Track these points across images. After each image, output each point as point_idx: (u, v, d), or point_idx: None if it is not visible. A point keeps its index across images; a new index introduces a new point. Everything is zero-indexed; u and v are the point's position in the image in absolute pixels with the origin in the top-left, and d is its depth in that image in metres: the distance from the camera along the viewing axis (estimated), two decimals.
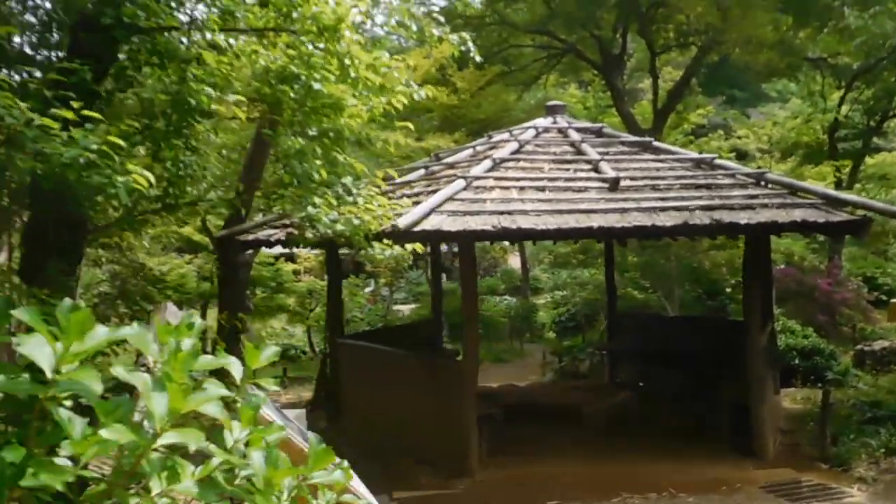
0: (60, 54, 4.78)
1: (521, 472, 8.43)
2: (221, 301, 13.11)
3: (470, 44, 11.55)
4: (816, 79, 20.87)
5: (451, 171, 9.76)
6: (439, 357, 9.23)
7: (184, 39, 4.17)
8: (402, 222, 7.34)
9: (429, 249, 13.32)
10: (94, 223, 4.57)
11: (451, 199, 8.12)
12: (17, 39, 5.11)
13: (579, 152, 9.81)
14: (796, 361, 12.56)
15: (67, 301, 1.44)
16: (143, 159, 4.07)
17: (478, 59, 12.47)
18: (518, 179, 8.90)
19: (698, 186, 8.97)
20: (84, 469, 1.32)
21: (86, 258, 14.01)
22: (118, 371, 1.58)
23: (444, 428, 8.68)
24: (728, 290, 17.37)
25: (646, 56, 20.81)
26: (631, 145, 10.51)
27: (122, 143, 3.35)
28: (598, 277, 16.88)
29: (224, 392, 2.11)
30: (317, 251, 19.01)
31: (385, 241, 5.93)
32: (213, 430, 1.82)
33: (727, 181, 9.17)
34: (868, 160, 21.32)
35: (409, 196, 9.24)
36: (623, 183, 8.75)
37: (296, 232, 5.24)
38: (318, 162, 4.38)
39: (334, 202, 4.39)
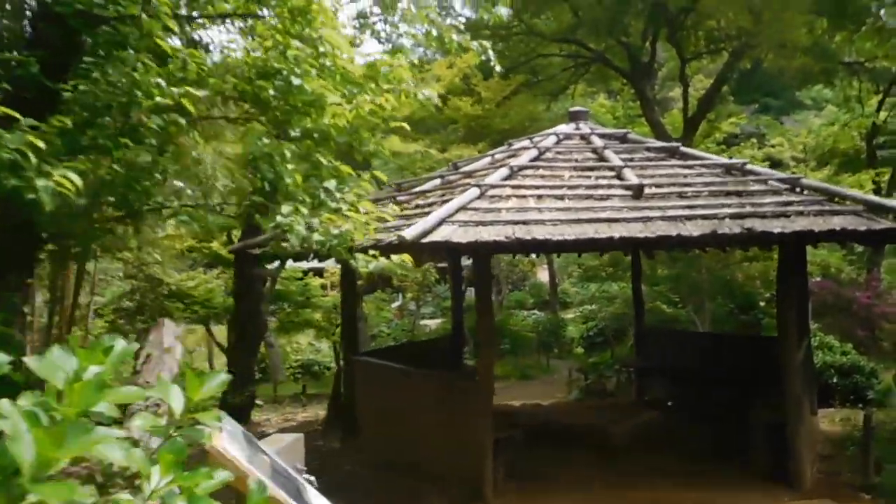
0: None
1: (538, 502, 7.84)
2: (236, 316, 12.74)
3: (490, 52, 11.08)
4: (853, 84, 20.04)
5: (467, 181, 9.22)
6: (454, 376, 8.67)
7: (140, 28, 3.70)
8: (409, 233, 6.83)
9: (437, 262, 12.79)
10: (48, 233, 4.10)
11: (463, 208, 7.58)
12: None
13: (602, 159, 9.23)
14: (834, 380, 11.89)
15: None
16: (96, 162, 3.59)
17: (498, 68, 12.03)
18: (536, 188, 8.33)
19: (728, 193, 8.32)
20: None
21: (108, 274, 13.79)
22: None
23: (458, 451, 8.12)
24: (762, 303, 16.65)
25: (676, 65, 20.20)
26: (657, 151, 9.90)
27: (39, 142, 2.89)
28: (627, 291, 16.26)
29: (118, 433, 1.65)
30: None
31: (371, 252, 5.35)
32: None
33: (759, 188, 8.52)
34: None
35: (422, 206, 8.74)
36: (647, 190, 8.14)
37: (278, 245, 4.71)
38: (290, 166, 3.87)
39: (305, 210, 3.86)
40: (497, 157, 10.11)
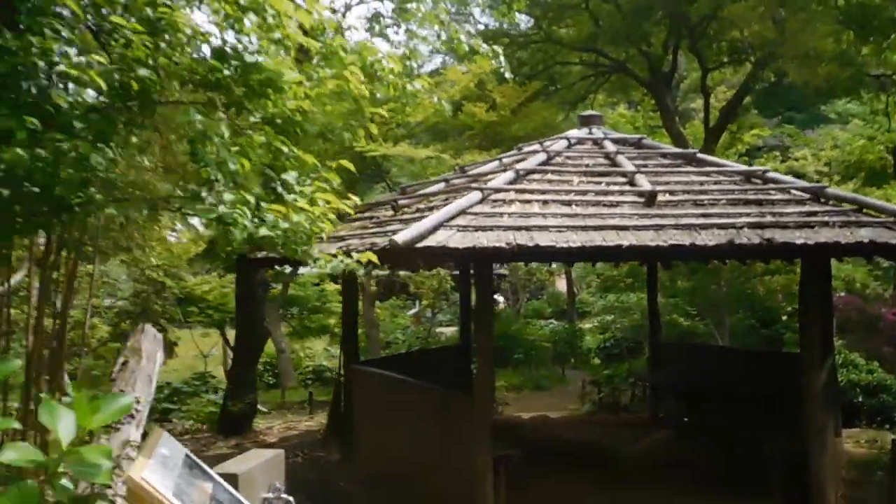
0: None
1: None
2: (238, 321, 12.20)
3: (501, 57, 10.46)
4: (880, 97, 19.14)
5: (473, 185, 8.60)
6: (450, 390, 8.01)
7: None
8: (401, 237, 6.24)
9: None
10: None
11: (463, 212, 6.95)
12: None
13: (614, 164, 8.57)
14: (860, 399, 11.13)
15: None
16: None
17: (508, 74, 11.39)
18: (542, 192, 7.69)
19: (747, 202, 7.62)
20: None
21: (111, 277, 13.34)
22: None
23: (455, 470, 7.48)
24: (784, 317, 15.87)
25: (698, 76, 19.51)
26: (673, 157, 9.21)
27: None
28: (645, 302, 15.53)
29: None
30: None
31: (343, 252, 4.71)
32: None
33: (781, 197, 7.80)
34: None
35: (423, 210, 8.14)
36: (661, 197, 7.47)
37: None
38: (235, 148, 3.28)
39: (251, 199, 3.25)
40: (505, 160, 9.49)
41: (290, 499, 5.28)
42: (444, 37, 11.18)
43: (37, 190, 3.32)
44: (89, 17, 3.67)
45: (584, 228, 6.75)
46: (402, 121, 15.16)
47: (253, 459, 5.61)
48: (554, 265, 22.45)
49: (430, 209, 7.85)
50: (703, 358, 11.80)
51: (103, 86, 3.03)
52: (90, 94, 3.41)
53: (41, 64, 2.80)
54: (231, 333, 16.20)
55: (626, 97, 23.81)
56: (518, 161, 8.98)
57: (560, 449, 9.18)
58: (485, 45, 10.71)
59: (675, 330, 15.26)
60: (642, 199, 7.41)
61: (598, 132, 9.84)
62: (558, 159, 8.79)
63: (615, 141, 9.51)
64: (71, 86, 3.34)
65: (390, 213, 8.74)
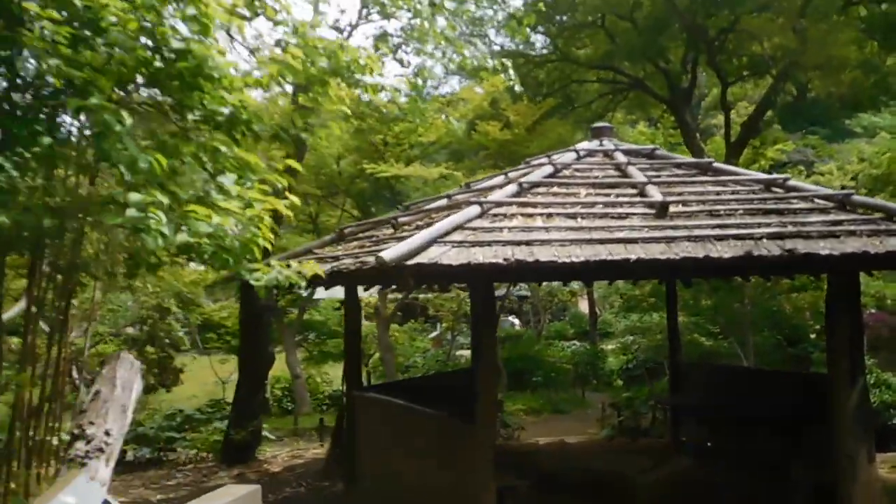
0: None
1: None
2: (242, 346, 11.69)
3: (511, 71, 9.91)
4: None
5: (473, 199, 8.04)
6: (452, 419, 7.40)
7: None
8: (388, 254, 5.67)
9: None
10: None
11: (460, 227, 6.40)
12: None
13: (624, 175, 7.97)
14: (894, 421, 10.35)
15: None
16: None
17: (517, 88, 10.88)
18: (546, 205, 7.11)
19: (767, 212, 6.98)
20: None
21: (115, 303, 12.98)
22: None
23: (460, 502, 6.86)
24: (812, 335, 15.08)
25: (719, 92, 18.88)
26: (687, 167, 8.59)
27: None
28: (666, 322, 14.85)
29: None
30: (373, 292, 17.53)
31: (275, 262, 4.16)
32: None
33: (804, 206, 7.15)
34: None
35: (422, 227, 7.59)
36: (673, 208, 6.85)
37: None
38: (145, 142, 2.77)
39: (166, 200, 2.73)
40: (512, 175, 8.94)
41: None
42: (449, 54, 10.72)
43: None
44: None
45: (590, 242, 6.16)
46: (414, 141, 14.76)
47: (223, 497, 5.07)
48: (576, 285, 21.76)
49: (430, 226, 7.31)
50: (725, 379, 11.06)
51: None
52: None
53: None
54: None
55: (644, 114, 23.22)
56: (524, 175, 8.43)
57: (574, 477, 8.51)
58: (491, 61, 10.19)
59: (697, 349, 14.54)
60: (653, 211, 6.81)
61: (608, 144, 9.27)
62: (565, 172, 8.22)
63: (627, 152, 8.92)
64: None
65: (390, 231, 8.21)
